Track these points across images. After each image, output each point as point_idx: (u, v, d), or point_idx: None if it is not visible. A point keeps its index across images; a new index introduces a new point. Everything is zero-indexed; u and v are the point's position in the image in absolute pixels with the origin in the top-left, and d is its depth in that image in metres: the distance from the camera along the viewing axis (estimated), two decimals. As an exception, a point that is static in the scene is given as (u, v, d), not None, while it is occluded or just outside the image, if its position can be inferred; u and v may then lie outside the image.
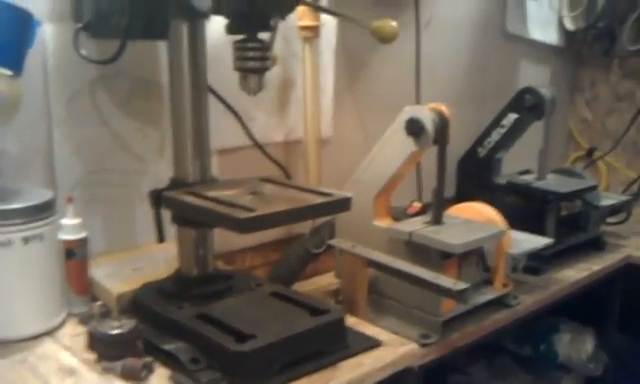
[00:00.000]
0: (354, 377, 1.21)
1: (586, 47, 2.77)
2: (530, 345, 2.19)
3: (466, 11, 2.36)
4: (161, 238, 1.39)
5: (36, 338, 1.31)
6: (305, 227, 1.68)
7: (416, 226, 1.50)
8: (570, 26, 2.64)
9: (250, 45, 1.35)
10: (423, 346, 1.38)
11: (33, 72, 1.37)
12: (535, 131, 2.05)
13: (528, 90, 2.02)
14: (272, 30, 1.38)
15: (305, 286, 1.66)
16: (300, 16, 1.72)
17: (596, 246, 2.06)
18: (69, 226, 1.38)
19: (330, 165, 1.86)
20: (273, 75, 1.69)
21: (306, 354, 1.21)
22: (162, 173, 1.48)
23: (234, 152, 1.72)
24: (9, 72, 1.24)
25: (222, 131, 1.58)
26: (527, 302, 1.67)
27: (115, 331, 1.21)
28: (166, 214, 1.37)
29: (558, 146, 2.87)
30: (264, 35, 1.39)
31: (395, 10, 1.92)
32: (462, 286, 1.33)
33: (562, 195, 1.92)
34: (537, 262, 1.82)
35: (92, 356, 1.23)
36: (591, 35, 2.69)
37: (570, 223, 2.03)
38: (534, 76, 2.63)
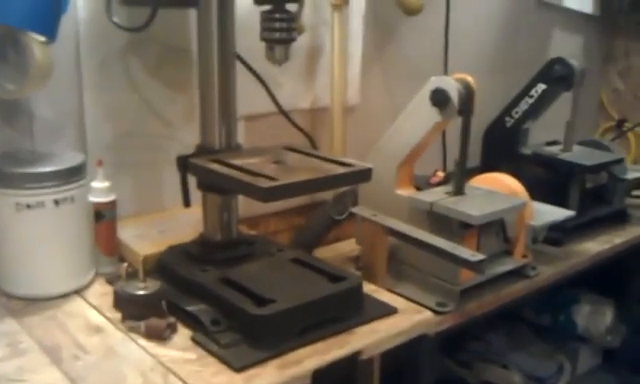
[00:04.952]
0: (368, 342, 1.25)
1: (622, 16, 2.73)
2: (550, 315, 2.21)
3: (499, -22, 2.35)
4: (187, 203, 1.43)
5: (65, 296, 1.36)
6: (329, 194, 1.70)
7: (437, 196, 1.52)
8: (606, -6, 2.61)
9: (277, 16, 1.37)
10: (439, 313, 1.41)
11: (65, 38, 1.41)
12: (566, 101, 2.04)
13: (558, 61, 2.01)
14: (299, 1, 1.39)
15: (327, 252, 1.69)
16: (329, -16, 1.72)
17: (620, 218, 2.06)
18: (98, 188, 1.43)
19: (355, 132, 1.88)
20: (301, 42, 1.70)
21: (323, 319, 1.25)
22: (190, 138, 1.50)
23: (260, 118, 1.74)
24: (43, 38, 1.28)
25: (249, 98, 1.60)
26: (546, 273, 1.69)
27: (140, 292, 1.26)
28: (192, 179, 1.41)
29: (589, 117, 2.85)
30: (291, 6, 1.41)
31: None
32: (479, 257, 1.35)
33: (586, 168, 1.92)
34: (559, 234, 1.82)
35: (118, 315, 1.28)
36: (627, 4, 2.65)
37: (594, 195, 2.03)
38: (567, 45, 2.60)
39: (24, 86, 1.31)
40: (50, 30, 1.29)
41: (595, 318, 2.12)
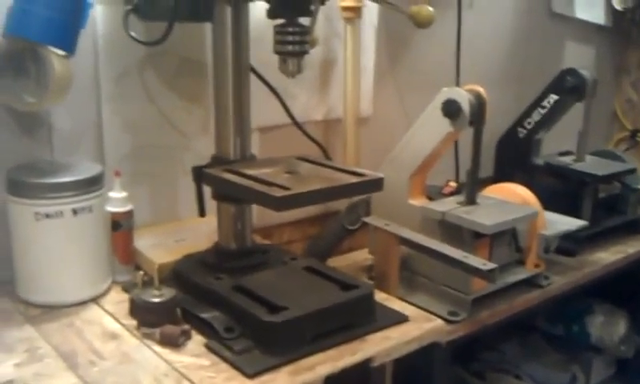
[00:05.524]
0: (380, 349, 1.26)
1: (635, 27, 2.73)
2: (563, 325, 2.21)
3: (511, -10, 2.36)
4: (202, 213, 1.45)
5: (82, 303, 1.39)
6: (342, 204, 1.71)
7: (449, 205, 1.53)
8: (617, 5, 2.61)
9: (290, 29, 1.38)
10: (450, 322, 1.42)
11: (84, 52, 1.44)
12: (578, 112, 2.04)
13: (569, 72, 2.01)
14: (312, 14, 1.41)
15: (340, 261, 1.70)
16: (342, -3, 1.74)
17: (633, 228, 2.05)
18: (116, 198, 1.45)
19: (368, 143, 1.90)
20: (314, 54, 1.72)
21: (335, 326, 1.26)
22: (205, 149, 1.52)
23: (274, 129, 1.77)
24: (62, 52, 1.31)
25: (263, 109, 1.62)
26: (559, 283, 1.69)
27: (155, 299, 1.27)
28: (208, 190, 1.43)
29: (602, 127, 2.85)
30: (304, 19, 1.43)
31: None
32: (490, 266, 1.36)
33: (598, 177, 1.92)
34: (572, 244, 1.83)
35: (133, 322, 1.30)
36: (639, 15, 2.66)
37: (607, 205, 2.03)
38: (579, 56, 2.61)
39: (44, 99, 1.34)
40: (69, 44, 1.33)
41: (609, 328, 2.12)
